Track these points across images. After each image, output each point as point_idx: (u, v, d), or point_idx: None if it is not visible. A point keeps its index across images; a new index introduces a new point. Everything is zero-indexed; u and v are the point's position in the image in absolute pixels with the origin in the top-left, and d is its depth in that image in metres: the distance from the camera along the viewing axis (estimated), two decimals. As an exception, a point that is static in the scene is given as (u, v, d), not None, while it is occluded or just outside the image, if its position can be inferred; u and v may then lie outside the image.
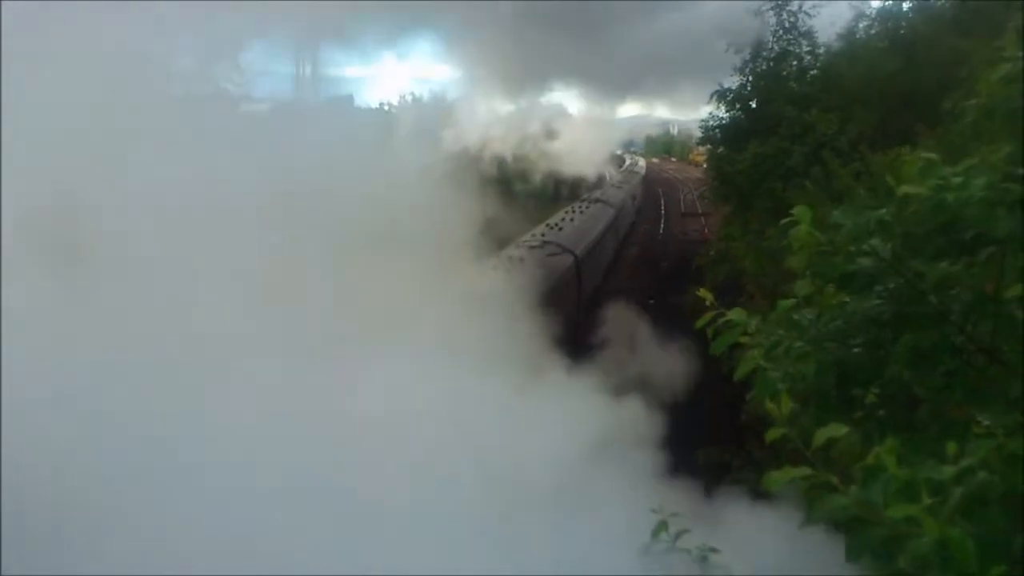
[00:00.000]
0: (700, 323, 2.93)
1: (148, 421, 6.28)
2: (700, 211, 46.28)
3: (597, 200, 38.57)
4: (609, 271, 31.04)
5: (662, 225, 47.15)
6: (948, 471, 2.02)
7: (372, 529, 6.18)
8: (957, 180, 2.37)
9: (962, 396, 2.81)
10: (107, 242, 7.12)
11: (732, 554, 4.49)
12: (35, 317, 6.39)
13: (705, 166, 34.07)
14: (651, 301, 23.60)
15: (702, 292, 2.93)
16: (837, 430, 2.12)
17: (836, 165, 15.39)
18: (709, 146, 25.23)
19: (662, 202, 54.82)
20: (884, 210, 2.52)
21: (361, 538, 6.10)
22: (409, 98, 40.65)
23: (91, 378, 6.27)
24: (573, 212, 33.14)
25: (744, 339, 2.85)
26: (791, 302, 2.94)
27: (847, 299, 2.98)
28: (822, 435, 2.12)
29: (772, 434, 2.23)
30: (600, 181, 49.37)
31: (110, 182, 7.23)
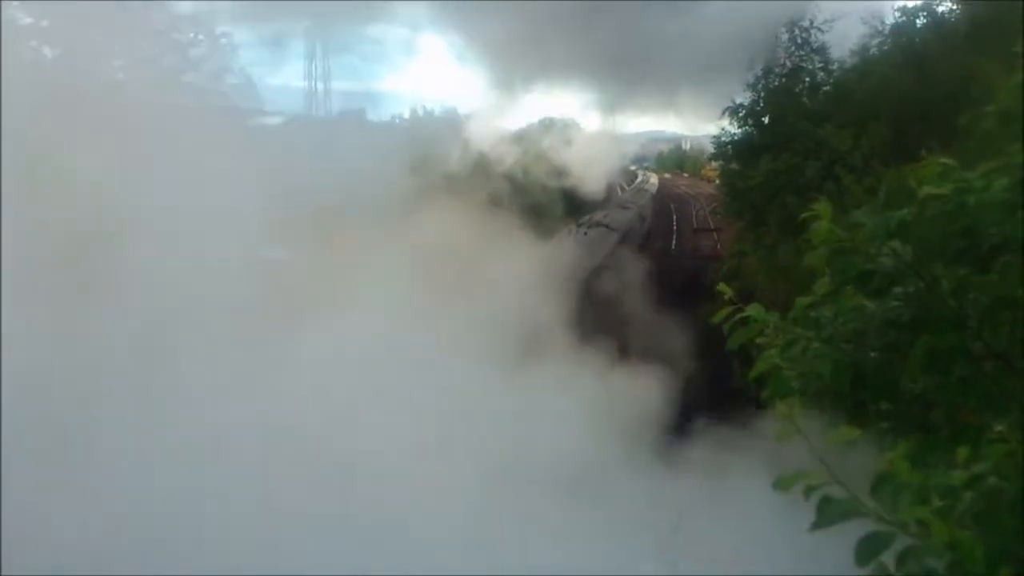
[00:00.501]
0: (717, 318, 2.92)
1: (152, 419, 6.29)
2: (712, 227, 46.08)
3: (598, 224, 31.72)
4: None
5: (674, 241, 47.01)
6: (959, 476, 2.00)
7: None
8: (979, 184, 2.35)
9: (976, 402, 2.78)
10: (119, 247, 7.15)
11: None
12: (46, 320, 6.41)
13: (717, 182, 33.97)
14: None
15: (721, 287, 2.91)
16: (850, 433, 2.10)
17: (850, 181, 15.38)
18: (721, 162, 25.24)
19: (674, 218, 54.68)
20: (905, 211, 2.50)
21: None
22: (421, 111, 40.76)
23: (93, 377, 6.28)
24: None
25: (760, 339, 2.84)
26: (809, 299, 2.93)
27: (866, 303, 2.96)
28: (835, 437, 2.10)
29: (781, 434, 2.20)
30: (609, 198, 48.76)
31: (124, 191, 7.27)
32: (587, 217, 33.57)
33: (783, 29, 21.93)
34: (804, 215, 2.69)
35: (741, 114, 22.16)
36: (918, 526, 1.95)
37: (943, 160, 2.52)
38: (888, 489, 2.03)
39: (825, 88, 21.92)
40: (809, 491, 2.02)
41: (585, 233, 29.08)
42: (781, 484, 2.05)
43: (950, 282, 2.80)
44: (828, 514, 2.01)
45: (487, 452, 7.72)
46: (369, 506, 6.46)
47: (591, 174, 46.27)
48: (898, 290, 2.83)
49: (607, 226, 31.80)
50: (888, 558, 2.01)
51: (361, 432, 7.26)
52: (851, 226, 2.61)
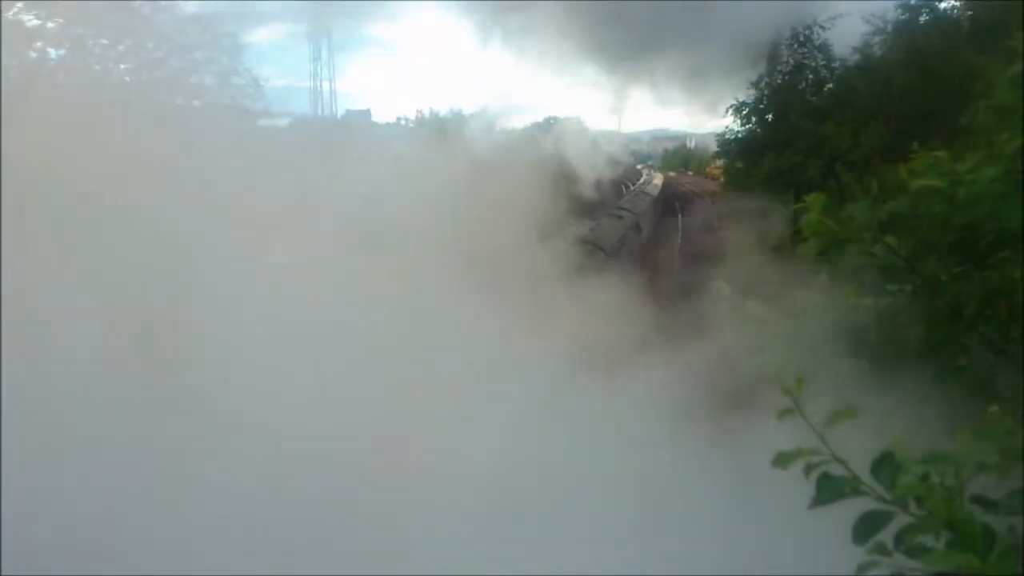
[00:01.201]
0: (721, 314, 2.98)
1: (160, 418, 6.30)
2: (717, 225, 46.00)
3: (583, 241, 25.14)
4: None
5: (679, 239, 46.86)
6: (959, 451, 2.06)
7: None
8: (969, 176, 2.41)
9: (973, 393, 2.84)
10: (125, 247, 7.17)
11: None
12: (47, 321, 6.42)
13: (722, 179, 33.93)
14: None
15: (719, 285, 2.98)
16: (850, 413, 2.15)
17: (850, 179, 15.40)
18: (725, 160, 25.32)
19: (679, 216, 54.63)
20: (895, 203, 2.56)
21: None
22: (427, 112, 40.70)
23: (93, 374, 6.29)
24: None
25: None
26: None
27: (864, 300, 3.01)
28: (836, 416, 2.15)
29: (782, 414, 2.25)
30: (614, 198, 47.90)
31: (132, 191, 7.31)
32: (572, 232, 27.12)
33: (787, 26, 22.00)
34: (797, 207, 2.74)
35: (744, 112, 22.24)
36: (918, 505, 2.00)
37: (935, 153, 2.57)
38: (888, 468, 2.08)
39: (828, 86, 21.96)
40: (809, 469, 2.07)
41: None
42: (780, 460, 2.11)
43: (946, 275, 2.85)
44: (828, 491, 2.07)
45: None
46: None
47: (595, 174, 46.00)
48: (892, 286, 2.88)
49: (594, 244, 25.65)
50: (887, 537, 2.06)
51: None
52: (844, 219, 2.65)
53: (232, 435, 6.47)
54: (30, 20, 8.61)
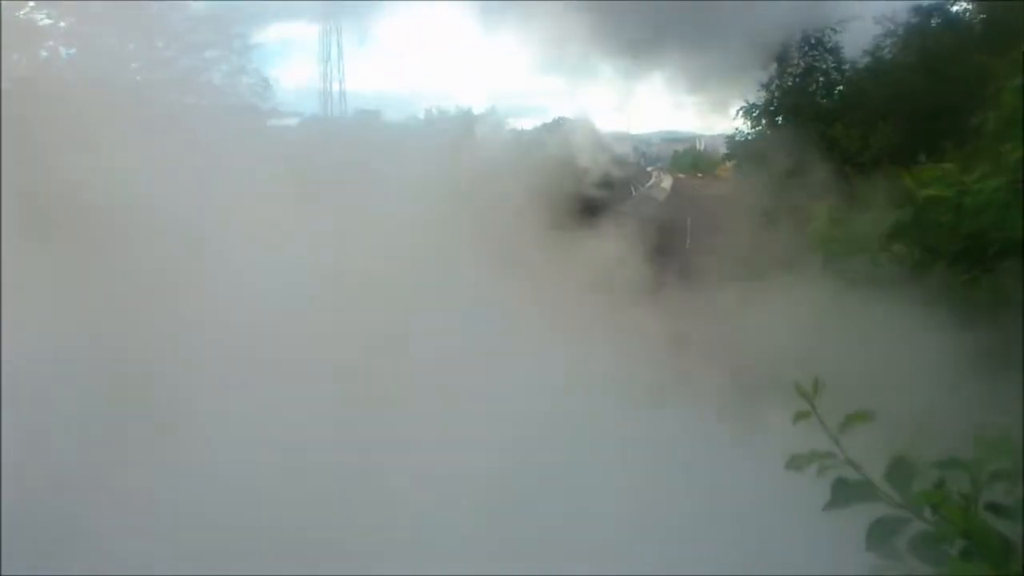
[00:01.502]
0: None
1: (161, 417, 6.31)
2: (727, 228, 45.54)
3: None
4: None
5: (688, 240, 46.47)
6: (974, 458, 2.04)
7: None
8: (975, 186, 2.40)
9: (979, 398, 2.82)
10: (132, 246, 7.18)
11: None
12: (53, 321, 6.43)
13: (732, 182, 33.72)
14: None
15: (724, 288, 2.96)
16: (863, 416, 2.14)
17: (860, 182, 15.32)
18: (735, 162, 25.24)
19: (688, 220, 54.29)
20: (900, 212, 2.55)
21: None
22: (435, 112, 40.47)
23: (96, 371, 6.29)
24: None
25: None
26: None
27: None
28: (850, 419, 2.15)
29: (798, 416, 2.24)
30: (622, 201, 47.33)
31: (141, 190, 7.32)
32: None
33: (798, 29, 21.89)
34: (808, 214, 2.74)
35: (755, 114, 22.17)
36: (933, 512, 1.99)
37: (942, 165, 2.56)
38: (902, 474, 2.07)
39: (838, 88, 21.87)
40: (822, 471, 2.06)
41: None
42: (794, 463, 2.09)
43: (954, 282, 2.84)
44: (842, 495, 2.06)
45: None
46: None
47: (604, 175, 45.67)
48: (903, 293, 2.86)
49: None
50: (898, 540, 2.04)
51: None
52: (851, 229, 2.64)
53: (237, 434, 6.48)
54: (41, 19, 8.65)
